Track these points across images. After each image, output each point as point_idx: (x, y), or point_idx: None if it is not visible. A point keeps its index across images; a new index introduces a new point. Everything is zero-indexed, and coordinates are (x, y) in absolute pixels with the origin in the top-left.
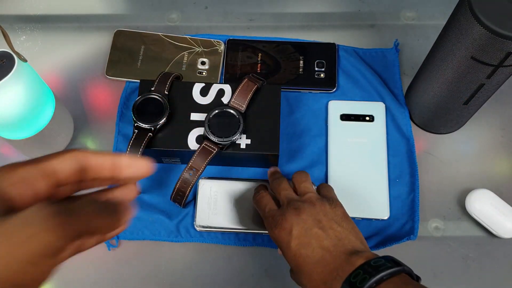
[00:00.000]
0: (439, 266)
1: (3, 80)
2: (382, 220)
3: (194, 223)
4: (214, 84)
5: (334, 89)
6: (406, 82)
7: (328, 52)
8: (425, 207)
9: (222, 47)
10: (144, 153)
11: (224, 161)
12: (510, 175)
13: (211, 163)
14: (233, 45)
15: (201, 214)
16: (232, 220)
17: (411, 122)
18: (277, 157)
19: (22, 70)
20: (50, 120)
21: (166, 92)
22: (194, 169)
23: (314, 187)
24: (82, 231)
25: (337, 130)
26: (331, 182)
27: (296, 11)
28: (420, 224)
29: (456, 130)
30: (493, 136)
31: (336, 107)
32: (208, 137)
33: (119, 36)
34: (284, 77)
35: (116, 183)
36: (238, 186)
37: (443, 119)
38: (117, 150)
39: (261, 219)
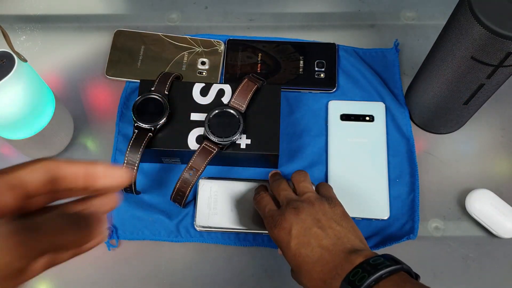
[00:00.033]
0: (439, 266)
1: (3, 80)
2: (382, 220)
3: (194, 223)
4: (214, 84)
5: (334, 89)
6: (406, 82)
7: (328, 52)
8: (425, 207)
9: (222, 47)
10: (144, 153)
11: (224, 161)
12: (510, 175)
13: (211, 163)
14: (233, 45)
15: (201, 214)
16: (232, 220)
17: (411, 122)
18: (277, 157)
19: (22, 70)
20: (50, 120)
21: (166, 92)
22: (194, 169)
23: (313, 187)
24: (47, 248)
25: (337, 130)
26: (331, 182)
27: (296, 11)
28: (420, 224)
29: (456, 130)
30: (493, 136)
31: (336, 107)
32: (208, 137)
33: (119, 36)
34: (284, 77)
35: (92, 193)
36: (238, 186)
37: (443, 119)
38: (117, 150)
39: (261, 219)
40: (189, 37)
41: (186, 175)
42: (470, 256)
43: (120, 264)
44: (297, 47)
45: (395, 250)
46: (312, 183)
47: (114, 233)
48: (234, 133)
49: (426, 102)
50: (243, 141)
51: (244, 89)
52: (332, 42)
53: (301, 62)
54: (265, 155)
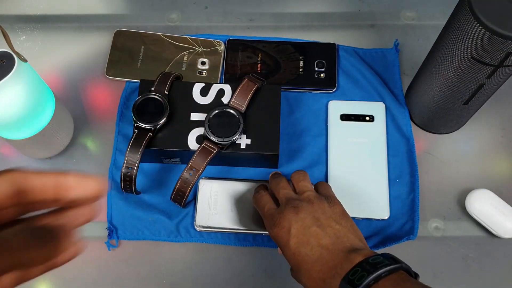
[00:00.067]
0: (439, 266)
1: (3, 80)
2: (382, 220)
3: (194, 223)
4: (214, 84)
5: (334, 89)
6: (406, 82)
7: (328, 52)
8: (425, 207)
9: (222, 47)
10: (144, 153)
11: (224, 161)
12: (510, 175)
13: (211, 163)
14: (233, 45)
15: (201, 214)
16: (232, 221)
17: (411, 122)
18: (277, 157)
19: (22, 70)
20: (50, 120)
21: (166, 92)
22: (194, 169)
23: (313, 187)
24: (11, 265)
25: (337, 130)
26: (331, 182)
27: (296, 11)
28: (420, 224)
29: (456, 130)
30: (493, 136)
31: (336, 107)
32: (208, 137)
33: (119, 36)
34: (284, 77)
35: (66, 205)
36: (239, 187)
37: (443, 119)
38: (117, 150)
39: (261, 219)
40: (189, 37)
41: (186, 175)
42: (470, 256)
43: (120, 264)
44: (297, 47)
45: (395, 250)
46: (311, 183)
47: (114, 233)
48: (234, 133)
49: (426, 102)
50: (243, 141)
51: (244, 89)
52: (332, 42)
53: (301, 62)
54: (265, 155)
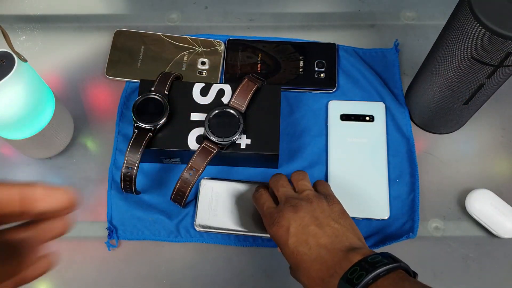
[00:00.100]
0: (439, 266)
1: (3, 80)
2: (382, 220)
3: (194, 223)
4: (214, 84)
5: (334, 89)
6: (406, 82)
7: (328, 52)
8: (425, 207)
9: (222, 47)
10: (144, 153)
11: (224, 161)
12: (510, 175)
13: (211, 163)
14: (233, 45)
15: (201, 215)
16: (233, 222)
17: (411, 122)
18: (277, 157)
19: (22, 70)
20: (50, 120)
21: (166, 92)
22: (194, 169)
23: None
24: None
25: (337, 130)
26: (331, 182)
27: (296, 11)
28: (420, 224)
29: (456, 130)
30: (493, 136)
31: (336, 107)
32: (208, 137)
33: (119, 36)
34: (284, 77)
35: (35, 218)
36: (240, 188)
37: (443, 119)
38: (117, 150)
39: (261, 222)
40: (189, 37)
41: (186, 175)
42: (470, 256)
43: (120, 264)
44: (297, 47)
45: (395, 250)
46: (311, 183)
47: (114, 233)
48: (234, 133)
49: (426, 102)
50: (243, 141)
51: (244, 89)
52: (332, 42)
53: (301, 62)
54: (265, 155)
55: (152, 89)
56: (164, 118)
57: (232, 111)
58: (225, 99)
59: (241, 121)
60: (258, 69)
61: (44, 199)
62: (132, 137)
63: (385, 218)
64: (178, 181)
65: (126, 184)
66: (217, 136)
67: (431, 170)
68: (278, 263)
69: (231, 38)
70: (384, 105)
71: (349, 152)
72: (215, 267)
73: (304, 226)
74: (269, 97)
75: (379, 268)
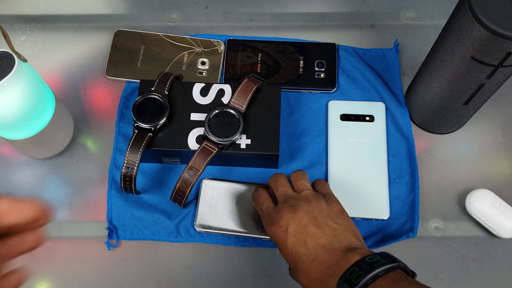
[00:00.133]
0: (439, 266)
1: (3, 80)
2: (382, 220)
3: (194, 223)
4: (214, 84)
5: (334, 89)
6: (406, 82)
7: (328, 52)
8: (425, 207)
9: (222, 47)
10: (144, 153)
11: (224, 161)
12: (510, 175)
13: (211, 163)
14: (233, 45)
15: (201, 215)
16: (233, 223)
17: (411, 122)
18: (277, 157)
19: (22, 70)
20: (50, 120)
21: (166, 92)
22: (194, 169)
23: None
24: None
25: (337, 130)
26: (331, 182)
27: (296, 11)
28: (420, 224)
29: (456, 130)
30: (493, 136)
31: (336, 107)
32: (208, 137)
33: (119, 36)
34: (284, 77)
35: (5, 231)
36: (241, 189)
37: (443, 119)
38: (117, 150)
39: (262, 223)
40: (189, 37)
41: (186, 175)
42: (470, 256)
43: (120, 264)
44: (297, 47)
45: (395, 250)
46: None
47: (114, 233)
48: (234, 133)
49: (426, 102)
50: (243, 141)
51: (244, 89)
52: (332, 42)
53: (301, 62)
54: (265, 155)
55: (152, 89)
56: (164, 118)
57: (232, 111)
58: (225, 99)
59: (241, 121)
60: (258, 69)
61: (10, 212)
62: (132, 137)
63: (385, 218)
64: (178, 181)
65: (126, 184)
66: (217, 136)
67: (431, 170)
68: (278, 263)
69: (231, 38)
70: (384, 105)
71: (349, 152)
72: (215, 267)
73: (302, 226)
74: (269, 97)
75: (378, 268)
